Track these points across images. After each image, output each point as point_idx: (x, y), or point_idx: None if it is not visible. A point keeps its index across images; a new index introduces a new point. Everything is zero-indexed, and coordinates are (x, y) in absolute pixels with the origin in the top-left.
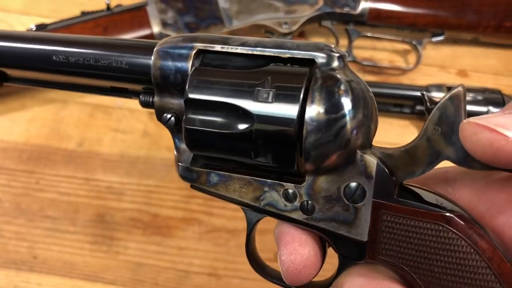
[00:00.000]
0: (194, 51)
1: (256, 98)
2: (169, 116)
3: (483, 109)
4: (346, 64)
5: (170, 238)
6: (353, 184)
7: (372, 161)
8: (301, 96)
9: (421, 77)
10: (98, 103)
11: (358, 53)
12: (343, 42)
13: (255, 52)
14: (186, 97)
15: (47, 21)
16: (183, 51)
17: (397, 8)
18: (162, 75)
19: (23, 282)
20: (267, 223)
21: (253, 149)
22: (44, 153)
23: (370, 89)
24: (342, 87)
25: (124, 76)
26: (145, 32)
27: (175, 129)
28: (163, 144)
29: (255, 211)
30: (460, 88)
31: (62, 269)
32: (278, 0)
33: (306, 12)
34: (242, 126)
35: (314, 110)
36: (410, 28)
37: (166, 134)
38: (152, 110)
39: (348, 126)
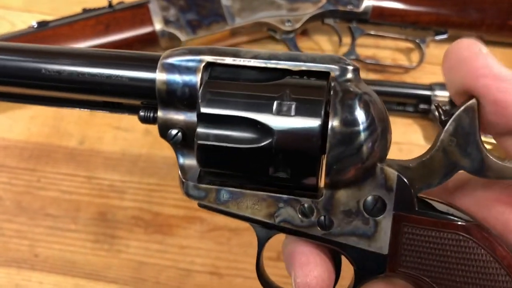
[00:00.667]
0: (203, 64)
1: (275, 112)
2: (175, 132)
3: None
4: (360, 77)
5: (172, 237)
6: (373, 197)
7: (393, 173)
8: (323, 109)
9: (424, 76)
10: None
11: (361, 51)
12: (346, 40)
13: (269, 65)
14: (198, 112)
15: (48, 18)
16: (191, 64)
17: (400, 6)
18: (168, 90)
19: (24, 281)
20: None
21: (272, 164)
22: (45, 151)
23: (373, 88)
24: (362, 100)
25: (124, 91)
26: (147, 29)
27: (179, 146)
28: (164, 143)
29: (268, 228)
30: (474, 100)
31: (63, 267)
32: None
33: (309, 10)
34: (260, 141)
35: (337, 123)
36: (413, 26)
37: None
38: None
39: (370, 138)
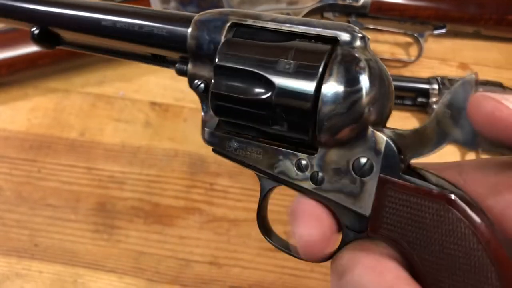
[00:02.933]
0: (228, 24)
1: (278, 68)
2: (199, 83)
3: None
4: (368, 45)
5: (171, 227)
6: (363, 159)
7: (382, 137)
8: (320, 69)
9: (422, 70)
10: (100, 93)
11: None
12: None
13: (283, 28)
14: (214, 64)
15: None
16: (218, 23)
17: (399, 0)
18: (197, 44)
19: (24, 270)
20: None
21: (271, 116)
22: (46, 142)
23: None
24: (361, 64)
25: (163, 44)
26: None
27: (203, 95)
28: (164, 135)
29: (269, 179)
30: (473, 75)
31: (63, 257)
32: None
33: (308, 3)
34: (263, 94)
35: (331, 83)
36: (411, 20)
37: (168, 124)
38: (152, 101)
39: (363, 100)
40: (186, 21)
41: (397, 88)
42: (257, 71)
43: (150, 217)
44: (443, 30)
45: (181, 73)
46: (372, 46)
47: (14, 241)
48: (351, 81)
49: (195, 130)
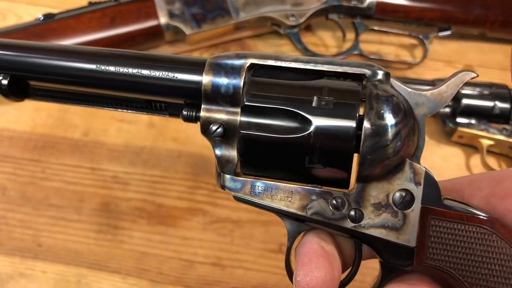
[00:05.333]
0: (247, 65)
1: (314, 105)
2: (216, 127)
3: (489, 103)
4: (389, 81)
5: (175, 228)
6: (402, 191)
7: (421, 168)
8: (359, 103)
9: (427, 72)
10: None
11: (365, 47)
12: (350, 35)
13: (307, 67)
14: (243, 105)
15: (54, 11)
16: (236, 64)
17: (404, 2)
18: (214, 88)
19: (28, 269)
20: (271, 215)
21: (307, 155)
22: (50, 142)
23: None
24: (394, 98)
25: (172, 90)
26: (152, 23)
27: (218, 140)
28: (168, 135)
29: (300, 221)
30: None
31: (66, 257)
32: None
33: (313, 4)
34: (300, 131)
35: (371, 118)
36: (417, 22)
37: (171, 125)
38: None
39: (399, 136)
40: (197, 65)
41: None
42: (291, 109)
43: (154, 218)
44: (448, 32)
45: (189, 119)
46: (377, 47)
47: (17, 241)
48: (389, 115)
49: (198, 131)
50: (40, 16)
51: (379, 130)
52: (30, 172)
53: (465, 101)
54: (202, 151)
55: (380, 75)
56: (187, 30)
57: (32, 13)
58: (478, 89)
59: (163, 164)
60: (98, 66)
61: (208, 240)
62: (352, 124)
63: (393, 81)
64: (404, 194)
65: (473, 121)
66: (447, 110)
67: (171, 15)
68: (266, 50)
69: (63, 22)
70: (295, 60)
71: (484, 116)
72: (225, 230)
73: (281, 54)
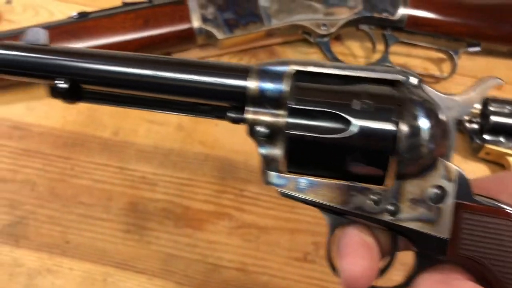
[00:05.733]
0: (290, 70)
1: (355, 107)
2: (262, 128)
3: None
4: (423, 86)
5: (201, 231)
6: (437, 187)
7: (453, 166)
8: (396, 106)
9: (454, 87)
10: None
11: (393, 59)
12: (380, 47)
13: (346, 73)
14: (290, 107)
15: (86, 9)
16: (280, 70)
17: (435, 17)
18: (260, 91)
19: (55, 266)
20: (297, 223)
21: (350, 152)
22: (80, 140)
23: None
24: (427, 103)
25: (220, 91)
26: (184, 26)
27: (263, 140)
28: (196, 138)
29: (340, 215)
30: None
31: (93, 255)
32: (318, 1)
33: (345, 14)
34: (342, 132)
35: (407, 120)
36: (446, 37)
37: (199, 128)
38: None
39: (433, 137)
40: (243, 71)
41: None
42: (334, 111)
43: (181, 220)
44: (477, 48)
45: (236, 121)
46: (405, 60)
47: (46, 237)
48: (424, 118)
49: (226, 135)
50: (74, 14)
51: (415, 131)
52: (60, 169)
53: (493, 118)
54: (229, 155)
55: (413, 80)
56: (219, 35)
57: (63, 11)
58: (508, 107)
59: (190, 167)
60: (154, 72)
61: (234, 245)
62: (390, 126)
63: (425, 87)
64: (438, 190)
65: (501, 139)
66: (475, 126)
67: (204, 19)
68: (295, 58)
69: (97, 21)
70: (334, 67)
71: None
72: (250, 236)
73: (321, 61)
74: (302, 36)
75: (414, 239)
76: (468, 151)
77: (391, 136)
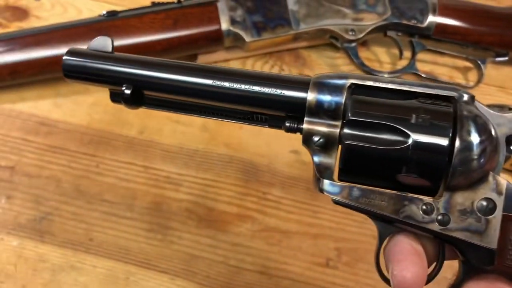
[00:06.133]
0: (348, 84)
1: (413, 121)
2: (317, 138)
3: None
4: (474, 103)
5: (224, 233)
6: (486, 199)
7: (503, 180)
8: (451, 121)
9: (479, 96)
10: None
11: (419, 66)
12: (406, 54)
13: (403, 88)
14: (347, 119)
15: (115, 7)
16: (339, 83)
17: (464, 25)
18: (318, 103)
19: (79, 263)
20: (320, 229)
21: (405, 164)
22: (105, 138)
23: None
24: (481, 119)
25: (279, 101)
26: (213, 27)
27: (317, 149)
28: (220, 140)
29: (391, 224)
30: None
31: (117, 253)
32: (347, 6)
33: (373, 20)
34: (399, 144)
35: (462, 136)
36: (474, 46)
37: (224, 130)
38: None
39: (485, 152)
40: (302, 83)
41: None
42: (392, 124)
43: (204, 221)
44: (505, 58)
45: (292, 130)
46: (431, 68)
47: (70, 233)
48: (477, 133)
49: (250, 137)
50: (104, 12)
51: (468, 146)
52: (85, 166)
53: None
54: (253, 158)
55: (465, 97)
56: (247, 38)
57: (91, 8)
58: None
59: (215, 168)
60: (214, 81)
61: (256, 248)
62: (445, 141)
63: (477, 103)
64: (487, 203)
65: None
66: None
67: (232, 21)
68: (320, 62)
69: (126, 20)
70: (391, 82)
71: None
72: (273, 239)
73: (377, 76)
74: (329, 40)
75: (462, 248)
76: None
77: (446, 151)
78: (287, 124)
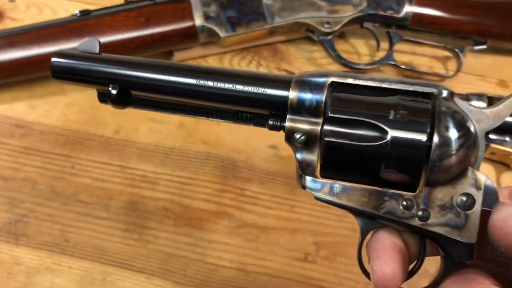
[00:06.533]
0: (329, 82)
1: (391, 118)
2: (299, 135)
3: None
4: (454, 99)
5: (201, 231)
6: (465, 194)
7: (481, 175)
8: (429, 117)
9: (459, 85)
10: None
11: (397, 57)
12: (384, 45)
13: (383, 85)
14: (327, 116)
15: (89, 7)
16: (320, 81)
17: (441, 14)
18: (299, 102)
19: (54, 264)
20: (298, 223)
21: (384, 160)
22: (81, 138)
23: None
24: (459, 115)
25: (262, 103)
26: (186, 24)
27: (299, 147)
28: (198, 137)
29: (372, 219)
30: None
31: (93, 254)
32: None
33: (349, 12)
34: (377, 140)
35: (440, 131)
36: (452, 35)
37: (201, 127)
38: None
39: (463, 147)
40: (284, 82)
41: None
42: (370, 120)
43: (180, 219)
44: (483, 46)
45: (276, 128)
46: (410, 58)
47: (45, 235)
48: (455, 129)
49: (228, 134)
50: (77, 12)
51: (447, 142)
52: (60, 167)
53: None
54: (231, 154)
55: (445, 93)
56: (221, 33)
57: (67, 8)
58: None
59: (191, 166)
60: (198, 80)
61: (234, 245)
62: (423, 137)
63: (456, 99)
64: (466, 198)
65: (507, 139)
66: None
67: (206, 17)
68: (298, 56)
69: (99, 19)
70: (371, 79)
71: None
72: (250, 235)
73: (358, 74)
74: (306, 34)
75: (442, 243)
76: None
77: (424, 146)
78: (270, 122)
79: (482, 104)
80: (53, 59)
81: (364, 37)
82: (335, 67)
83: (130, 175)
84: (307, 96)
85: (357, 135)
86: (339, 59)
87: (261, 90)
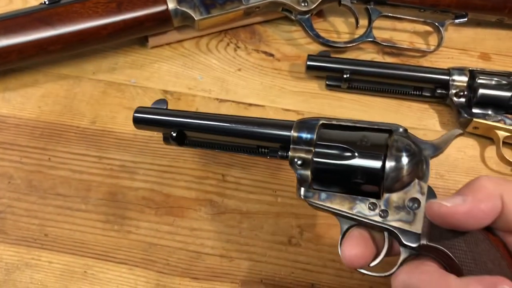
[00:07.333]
0: (319, 123)
1: (359, 145)
2: (298, 161)
3: (507, 93)
4: (407, 134)
5: (182, 219)
6: (413, 199)
7: (424, 184)
8: (385, 147)
9: (441, 60)
10: (112, 80)
11: (378, 34)
12: (362, 22)
13: (356, 125)
14: (314, 143)
15: None
16: (313, 123)
17: None
18: (298, 137)
19: (34, 260)
20: (281, 207)
21: (355, 175)
22: (57, 130)
23: (390, 72)
24: (407, 145)
25: (273, 139)
26: (159, 8)
27: (298, 168)
28: None
29: (348, 218)
30: (458, 131)
31: (73, 247)
32: None
33: None
34: (348, 161)
35: (393, 156)
36: (432, 8)
37: None
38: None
39: (412, 167)
40: (288, 126)
41: (416, 79)
42: (345, 146)
43: (161, 208)
44: (464, 19)
45: (283, 158)
46: (390, 34)
47: (23, 230)
48: (404, 157)
49: None
50: (45, 0)
51: (398, 166)
52: (37, 161)
53: (481, 91)
54: None
55: (400, 130)
56: (196, 16)
57: None
58: (495, 78)
59: (171, 154)
60: (231, 124)
61: (216, 231)
62: (379, 162)
63: (409, 134)
64: (414, 200)
65: (489, 112)
66: (463, 100)
67: (179, 0)
68: (276, 37)
69: (68, 7)
70: (349, 121)
71: (501, 106)
72: (233, 221)
73: (340, 118)
74: (283, 14)
75: (397, 234)
76: (456, 126)
77: (382, 167)
78: (280, 153)
79: (464, 78)
80: (135, 114)
81: (343, 15)
82: (314, 46)
83: (109, 165)
84: (304, 133)
85: (335, 155)
86: (317, 38)
87: (274, 131)
